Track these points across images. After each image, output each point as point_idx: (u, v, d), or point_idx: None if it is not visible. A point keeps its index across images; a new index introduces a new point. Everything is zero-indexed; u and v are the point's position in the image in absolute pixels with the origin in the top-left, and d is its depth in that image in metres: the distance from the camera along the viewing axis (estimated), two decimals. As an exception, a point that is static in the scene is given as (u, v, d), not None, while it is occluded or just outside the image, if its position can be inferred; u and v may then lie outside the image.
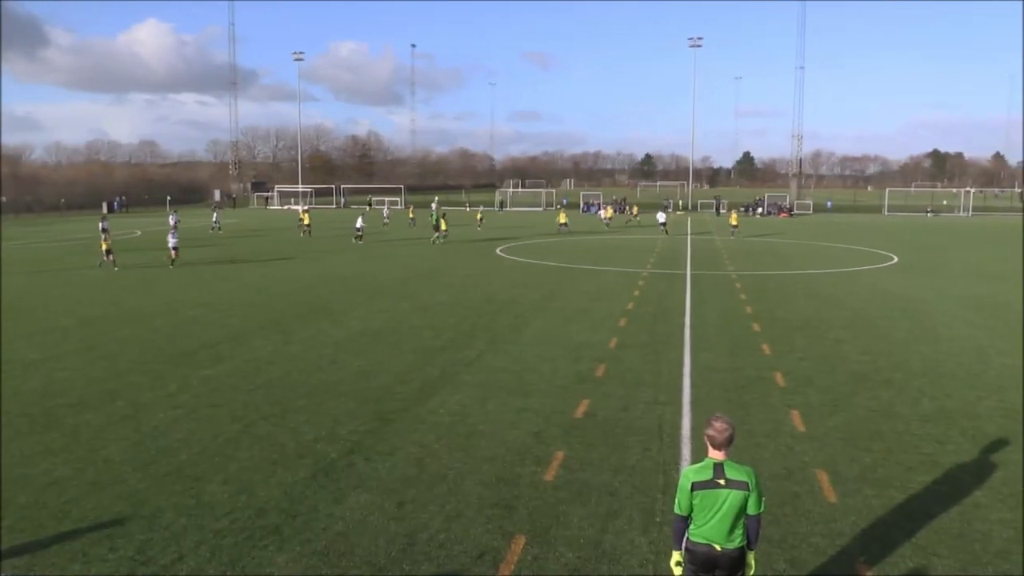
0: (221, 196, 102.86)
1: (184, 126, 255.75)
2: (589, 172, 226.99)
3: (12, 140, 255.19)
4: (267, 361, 15.85)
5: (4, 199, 75.00)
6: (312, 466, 10.06)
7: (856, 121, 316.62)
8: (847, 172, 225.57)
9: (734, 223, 51.98)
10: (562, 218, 57.79)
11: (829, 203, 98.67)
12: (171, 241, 34.01)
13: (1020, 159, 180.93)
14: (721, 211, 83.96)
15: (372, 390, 13.65)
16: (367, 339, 18.01)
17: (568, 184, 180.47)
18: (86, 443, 10.94)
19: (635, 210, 76.44)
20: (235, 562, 7.55)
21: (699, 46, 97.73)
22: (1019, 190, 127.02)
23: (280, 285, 27.43)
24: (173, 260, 33.32)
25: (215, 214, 59.92)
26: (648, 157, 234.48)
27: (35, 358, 16.13)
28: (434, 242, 44.49)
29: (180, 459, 10.31)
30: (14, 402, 12.93)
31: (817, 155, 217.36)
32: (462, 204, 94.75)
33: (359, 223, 46.80)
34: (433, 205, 66.25)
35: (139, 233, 52.47)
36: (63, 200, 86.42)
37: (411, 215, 67.55)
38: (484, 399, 13.11)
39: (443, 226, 46.24)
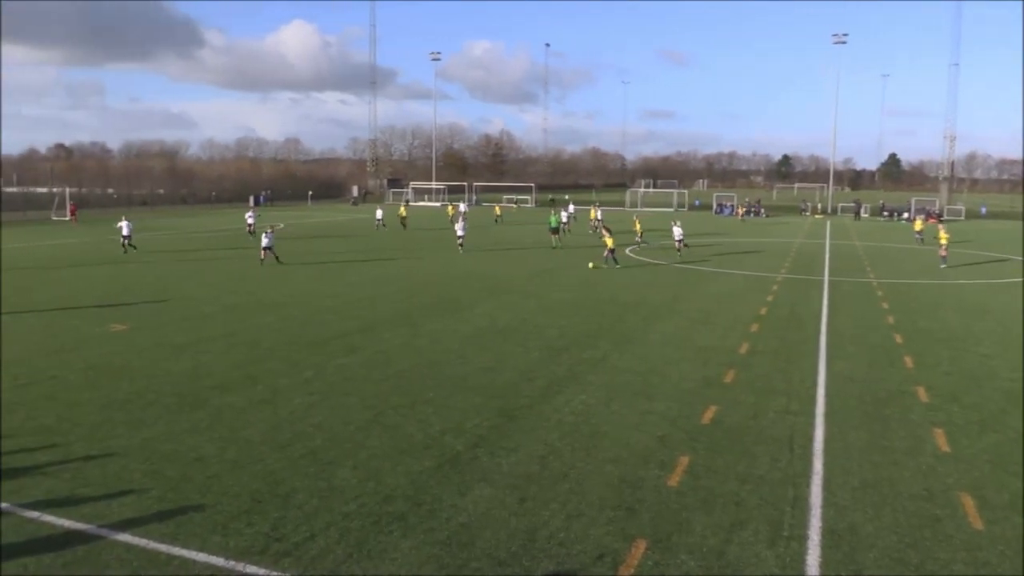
0: (359, 192, 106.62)
1: (326, 124, 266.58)
2: (723, 172, 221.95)
3: (168, 136, 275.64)
4: (397, 353, 16.29)
5: (4, 194, 72.40)
6: (438, 457, 10.27)
7: (1016, 121, 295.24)
8: (1004, 176, 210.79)
9: (943, 242, 34.58)
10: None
11: (983, 208, 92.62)
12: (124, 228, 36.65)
13: None
14: (862, 215, 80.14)
15: (498, 386, 13.81)
16: (493, 335, 18.23)
17: (701, 185, 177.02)
18: (228, 423, 11.57)
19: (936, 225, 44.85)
20: (361, 545, 7.80)
21: (843, 42, 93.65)
22: None
23: (404, 280, 28.15)
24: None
25: (249, 213, 48.82)
26: (786, 158, 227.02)
27: (182, 342, 17.18)
28: (554, 247, 41.20)
29: (314, 443, 10.75)
30: (166, 382, 13.84)
31: (971, 157, 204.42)
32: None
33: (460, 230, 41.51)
34: (591, 210, 58.20)
35: (282, 225, 54.91)
36: (213, 193, 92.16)
37: (451, 212, 62.21)
38: (609, 400, 13.03)
39: (609, 242, 33.59)
